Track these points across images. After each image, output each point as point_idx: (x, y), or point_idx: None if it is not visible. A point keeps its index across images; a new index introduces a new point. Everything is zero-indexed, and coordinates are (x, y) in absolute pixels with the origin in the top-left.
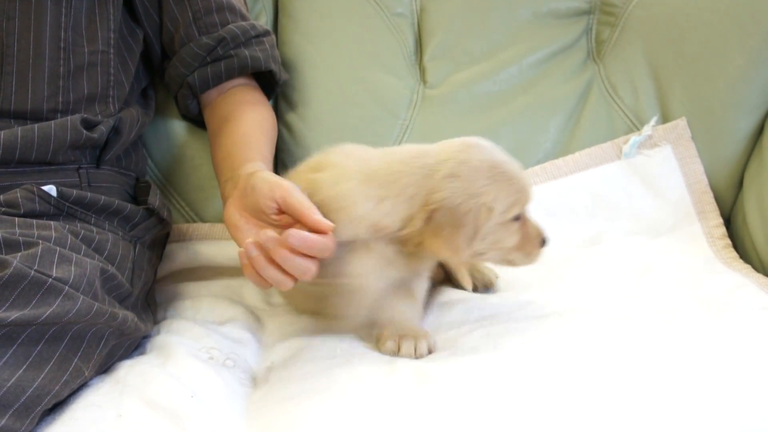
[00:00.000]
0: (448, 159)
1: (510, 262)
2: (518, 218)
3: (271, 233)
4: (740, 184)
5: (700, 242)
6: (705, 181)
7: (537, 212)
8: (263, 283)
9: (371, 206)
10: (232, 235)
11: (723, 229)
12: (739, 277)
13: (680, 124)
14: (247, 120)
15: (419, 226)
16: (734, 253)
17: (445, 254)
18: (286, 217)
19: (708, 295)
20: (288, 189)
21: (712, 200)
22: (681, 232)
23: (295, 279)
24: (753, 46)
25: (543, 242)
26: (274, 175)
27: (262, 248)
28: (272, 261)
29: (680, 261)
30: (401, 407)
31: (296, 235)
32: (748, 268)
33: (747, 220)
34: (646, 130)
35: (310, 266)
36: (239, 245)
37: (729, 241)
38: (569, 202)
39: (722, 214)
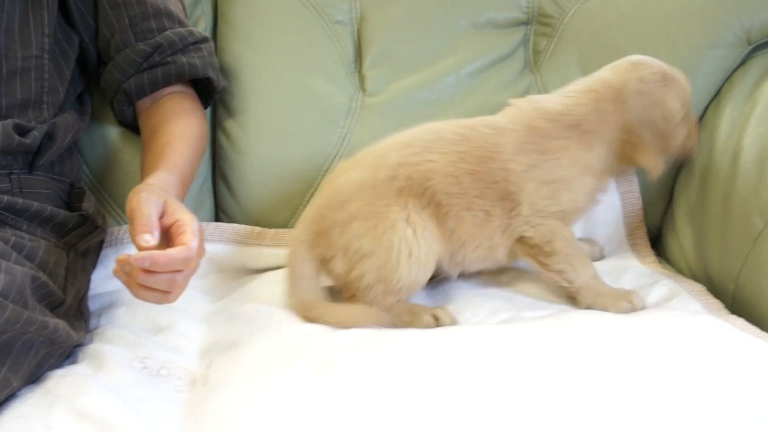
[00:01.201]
0: (628, 80)
1: (680, 155)
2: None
3: (125, 258)
4: (671, 193)
5: (632, 261)
6: (641, 216)
7: None
8: (149, 301)
9: (584, 152)
10: None
11: (653, 258)
12: (672, 284)
13: None
14: (170, 130)
15: (627, 148)
16: (660, 267)
17: (652, 162)
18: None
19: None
20: (135, 203)
21: (645, 235)
22: (614, 256)
23: (167, 293)
24: (683, 59)
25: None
26: (142, 186)
27: (128, 275)
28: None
29: (613, 273)
30: (338, 413)
31: (145, 257)
32: (679, 276)
33: (677, 229)
34: None
35: (173, 279)
36: None
37: (660, 267)
38: None
39: (653, 223)
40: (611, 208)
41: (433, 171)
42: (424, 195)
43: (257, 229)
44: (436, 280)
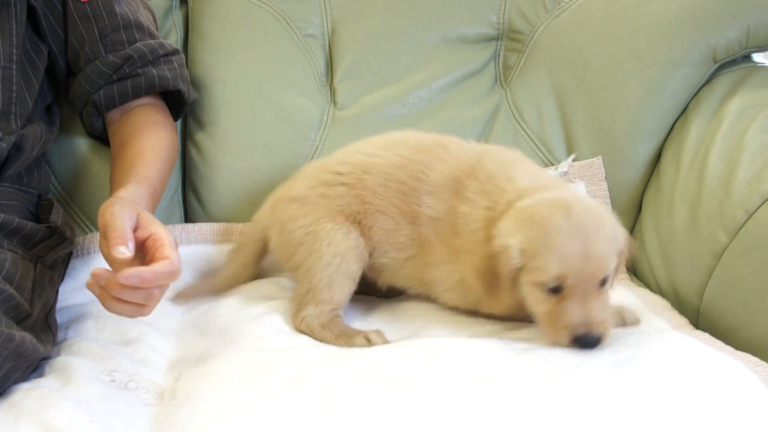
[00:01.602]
0: (523, 201)
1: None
2: (556, 290)
3: (101, 272)
4: (639, 207)
5: None
6: None
7: None
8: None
9: None
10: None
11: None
12: (636, 301)
13: (596, 162)
14: (140, 142)
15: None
16: (629, 283)
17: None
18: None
19: None
20: (108, 217)
21: None
22: None
23: (143, 306)
24: (651, 77)
25: (574, 340)
26: (114, 200)
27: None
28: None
29: None
30: (308, 428)
31: (132, 275)
32: (645, 291)
33: (644, 243)
34: (563, 167)
35: (151, 293)
36: None
37: (626, 275)
38: None
39: None
40: None
41: (374, 165)
42: (355, 188)
43: (224, 225)
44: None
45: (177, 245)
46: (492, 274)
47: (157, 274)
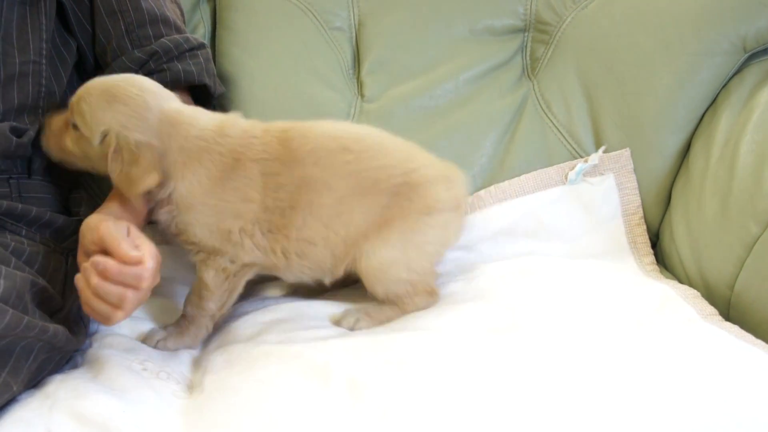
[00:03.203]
0: None
1: None
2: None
3: (86, 263)
4: (668, 199)
5: (630, 264)
6: (640, 213)
7: (480, 233)
8: (97, 317)
9: None
10: None
11: (652, 257)
12: (666, 289)
13: (624, 154)
14: None
15: None
16: (658, 274)
17: None
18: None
19: (636, 310)
20: (102, 230)
21: (644, 232)
22: (612, 257)
23: (116, 308)
24: (680, 67)
25: None
26: (97, 217)
27: (86, 280)
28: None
29: (608, 275)
30: (336, 419)
31: (100, 261)
32: (673, 281)
33: (674, 235)
34: (593, 159)
35: (124, 293)
36: None
37: (657, 267)
38: (511, 224)
39: (651, 229)
40: (610, 202)
41: None
42: None
43: None
44: None
45: (159, 260)
46: None
47: (122, 270)
